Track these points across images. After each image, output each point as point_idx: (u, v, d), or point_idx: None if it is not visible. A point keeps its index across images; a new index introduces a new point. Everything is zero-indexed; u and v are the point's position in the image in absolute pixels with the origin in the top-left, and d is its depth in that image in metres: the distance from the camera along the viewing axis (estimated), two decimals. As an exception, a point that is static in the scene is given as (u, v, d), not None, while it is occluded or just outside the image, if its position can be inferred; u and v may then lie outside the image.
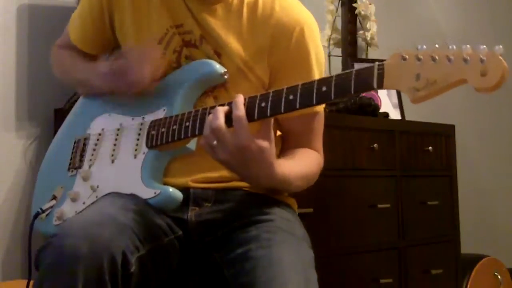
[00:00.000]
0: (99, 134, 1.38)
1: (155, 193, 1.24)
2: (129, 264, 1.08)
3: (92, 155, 1.37)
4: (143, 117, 1.33)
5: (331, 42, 2.72)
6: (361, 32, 2.83)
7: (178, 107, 1.29)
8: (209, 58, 1.32)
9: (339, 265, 2.06)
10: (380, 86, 1.04)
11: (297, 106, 1.12)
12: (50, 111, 2.14)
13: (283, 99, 1.13)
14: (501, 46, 0.94)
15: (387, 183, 2.32)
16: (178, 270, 1.26)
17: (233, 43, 1.32)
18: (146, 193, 1.25)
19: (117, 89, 1.34)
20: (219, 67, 1.29)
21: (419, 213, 2.42)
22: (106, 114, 1.40)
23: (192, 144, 1.29)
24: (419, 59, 1.00)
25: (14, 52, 2.14)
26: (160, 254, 1.19)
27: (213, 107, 1.20)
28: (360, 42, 2.85)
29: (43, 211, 1.35)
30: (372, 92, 2.54)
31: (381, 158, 2.27)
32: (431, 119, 2.63)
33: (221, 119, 1.14)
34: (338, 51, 2.74)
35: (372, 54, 2.85)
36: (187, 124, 1.24)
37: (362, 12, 2.78)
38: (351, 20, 2.80)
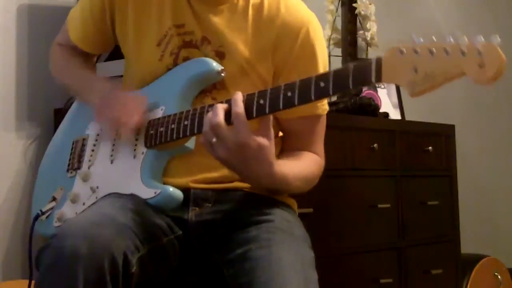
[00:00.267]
0: (98, 135, 1.38)
1: (155, 193, 1.24)
2: (130, 265, 1.08)
3: (91, 155, 1.37)
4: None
5: (331, 42, 2.72)
6: (361, 32, 2.83)
7: (176, 106, 1.29)
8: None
9: (339, 265, 2.06)
10: (378, 79, 1.03)
11: (296, 102, 1.12)
12: (50, 111, 2.15)
13: (281, 96, 1.13)
14: (497, 36, 0.94)
15: (387, 183, 2.32)
16: (177, 270, 1.26)
17: (238, 44, 1.32)
18: (147, 193, 1.25)
19: (104, 121, 1.34)
20: (216, 65, 1.29)
21: (419, 213, 2.42)
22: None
23: (191, 143, 1.29)
24: (416, 52, 0.99)
25: (14, 52, 2.14)
26: (160, 254, 1.19)
27: (211, 105, 1.20)
28: (360, 42, 2.84)
29: (43, 213, 1.35)
30: (372, 92, 2.54)
31: (381, 158, 2.26)
32: (431, 119, 2.63)
33: (221, 116, 1.14)
34: (338, 51, 2.74)
35: (372, 54, 2.85)
36: (186, 122, 1.24)
37: (362, 12, 2.78)
38: (351, 20, 2.79)
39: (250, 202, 1.31)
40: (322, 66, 1.36)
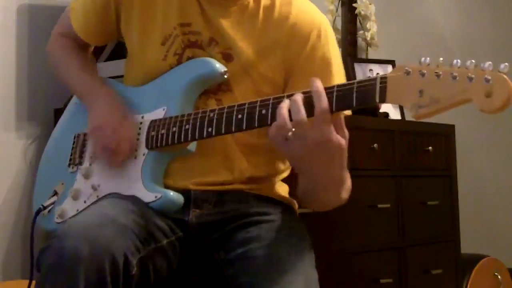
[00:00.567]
0: None
1: (155, 197, 1.24)
2: (130, 266, 1.08)
3: (93, 151, 1.36)
4: (142, 116, 1.32)
5: (331, 42, 2.72)
6: (361, 32, 2.83)
7: (178, 107, 1.28)
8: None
9: (339, 265, 2.06)
10: (383, 100, 1.01)
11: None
12: (50, 111, 2.14)
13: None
14: (507, 64, 0.92)
15: (387, 183, 2.31)
16: (178, 271, 1.26)
17: (246, 47, 1.30)
18: (147, 196, 1.24)
19: (95, 144, 1.33)
20: (219, 66, 1.28)
21: (419, 213, 2.42)
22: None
23: (192, 146, 1.28)
24: (423, 75, 0.97)
25: (14, 52, 2.14)
26: (161, 255, 1.19)
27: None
28: (360, 42, 2.84)
29: (45, 208, 1.35)
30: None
31: (381, 158, 2.26)
32: (431, 119, 2.62)
33: (303, 111, 1.05)
34: (338, 51, 2.74)
35: (372, 54, 2.85)
36: (187, 127, 1.23)
37: (362, 12, 2.78)
38: (351, 20, 2.79)
39: (251, 202, 1.31)
40: (337, 70, 1.32)
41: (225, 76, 1.28)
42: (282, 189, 1.40)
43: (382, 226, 2.27)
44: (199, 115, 1.22)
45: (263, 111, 1.13)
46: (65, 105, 1.54)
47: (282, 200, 1.36)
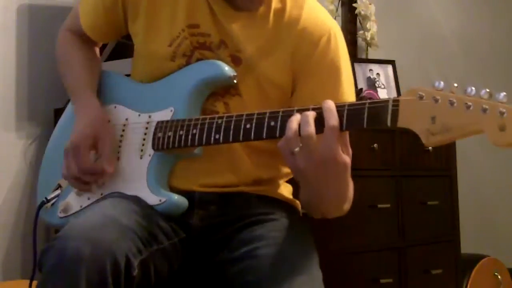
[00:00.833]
0: None
1: (160, 200, 1.24)
2: (132, 268, 1.07)
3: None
4: (150, 115, 1.31)
5: (331, 42, 2.72)
6: (361, 32, 2.83)
7: (186, 108, 1.28)
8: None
9: (339, 265, 2.06)
10: (394, 123, 1.00)
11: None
12: (50, 111, 2.15)
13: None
14: None
15: (387, 183, 2.31)
16: (180, 271, 1.25)
17: (255, 50, 1.29)
18: (152, 199, 1.24)
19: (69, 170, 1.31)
20: (228, 69, 1.27)
21: (419, 213, 2.42)
22: (112, 106, 1.38)
23: (199, 149, 1.27)
24: (436, 101, 0.96)
25: (14, 52, 2.14)
26: (162, 257, 1.19)
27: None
28: (360, 42, 2.84)
29: (48, 201, 1.34)
30: (372, 91, 2.54)
31: (381, 158, 2.26)
32: (431, 119, 2.62)
33: (313, 126, 1.05)
34: (338, 51, 2.74)
35: (372, 54, 2.85)
36: (194, 131, 1.22)
37: (362, 12, 2.78)
38: (351, 20, 2.80)
39: (254, 203, 1.30)
40: (346, 78, 1.31)
41: (235, 81, 1.27)
42: (286, 190, 1.40)
43: (382, 226, 2.27)
44: (207, 120, 1.21)
45: (272, 123, 1.13)
46: (65, 105, 1.54)
47: (285, 201, 1.36)
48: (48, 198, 1.34)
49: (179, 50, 1.31)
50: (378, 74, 2.76)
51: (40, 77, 2.15)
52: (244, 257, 1.19)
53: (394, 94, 2.73)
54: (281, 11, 1.32)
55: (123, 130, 1.34)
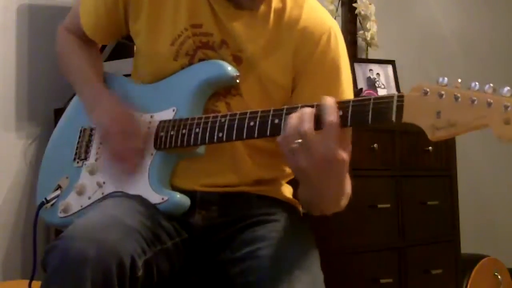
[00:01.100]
0: None
1: (162, 199, 1.23)
2: (137, 268, 1.07)
3: (99, 148, 1.35)
4: (152, 115, 1.31)
5: (331, 42, 2.72)
6: (361, 32, 2.83)
7: (188, 108, 1.27)
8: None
9: (339, 265, 2.06)
10: (399, 119, 1.00)
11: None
12: (50, 111, 2.15)
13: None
14: None
15: (387, 183, 2.31)
16: (182, 271, 1.26)
17: (257, 50, 1.29)
18: (154, 198, 1.24)
19: (107, 140, 1.31)
20: (231, 69, 1.27)
21: (419, 213, 2.42)
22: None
23: (201, 149, 1.27)
24: (441, 96, 0.96)
25: (14, 52, 2.14)
26: (165, 257, 1.19)
27: (224, 115, 1.18)
28: (360, 42, 2.84)
29: (48, 201, 1.35)
30: (372, 91, 2.54)
31: (381, 158, 2.26)
32: (431, 119, 2.62)
33: (312, 123, 1.05)
34: (338, 51, 2.74)
35: (372, 54, 2.85)
36: (197, 130, 1.22)
37: (362, 12, 2.78)
38: (351, 20, 2.80)
39: (256, 203, 1.31)
40: (345, 77, 1.32)
41: (237, 80, 1.27)
42: (287, 191, 1.40)
43: (382, 226, 2.27)
44: (210, 119, 1.21)
45: (276, 121, 1.13)
46: (65, 105, 1.54)
47: (286, 201, 1.36)
48: (48, 198, 1.34)
49: (182, 49, 1.31)
50: (378, 74, 2.76)
51: (40, 77, 2.15)
52: (245, 257, 1.19)
53: (394, 94, 2.73)
54: (281, 10, 1.32)
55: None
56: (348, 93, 1.31)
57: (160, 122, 1.28)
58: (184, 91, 1.29)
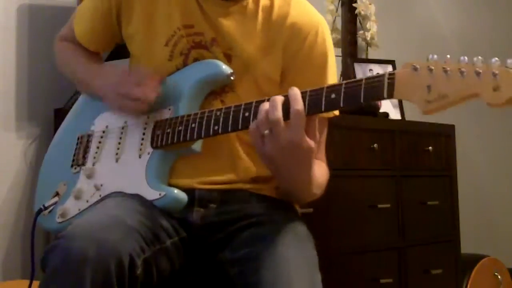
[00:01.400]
0: (103, 132, 1.38)
1: (159, 194, 1.24)
2: (135, 267, 1.08)
3: (96, 152, 1.36)
4: (148, 116, 1.32)
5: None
6: (361, 32, 2.83)
7: (184, 107, 1.28)
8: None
9: (339, 265, 2.06)
10: (391, 95, 1.02)
11: (306, 113, 1.11)
12: (50, 111, 2.15)
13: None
14: None
15: (387, 183, 2.32)
16: (181, 271, 1.26)
17: (247, 47, 1.31)
18: (151, 194, 1.24)
19: (118, 101, 1.32)
20: (225, 68, 1.28)
21: (419, 213, 2.42)
22: (110, 111, 1.38)
23: (197, 145, 1.28)
24: (430, 70, 0.98)
25: (14, 52, 2.14)
26: (164, 255, 1.19)
27: (220, 109, 1.20)
28: (360, 42, 2.84)
29: (46, 208, 1.35)
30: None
31: (381, 158, 2.27)
32: (431, 119, 2.62)
33: (280, 111, 1.09)
34: (338, 51, 2.74)
35: (372, 54, 2.85)
36: (193, 125, 1.23)
37: (362, 12, 2.78)
38: (351, 20, 2.80)
39: (255, 202, 1.31)
40: (331, 73, 1.35)
41: (232, 78, 1.28)
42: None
43: (382, 226, 2.27)
44: (206, 114, 1.22)
45: None
46: (65, 105, 1.54)
47: (285, 200, 1.37)
48: (46, 205, 1.35)
49: (176, 49, 1.32)
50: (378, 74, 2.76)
51: (40, 77, 2.15)
52: (244, 258, 1.19)
53: (394, 94, 2.73)
54: (269, 8, 1.35)
55: (122, 133, 1.34)
56: (332, 77, 1.35)
57: (157, 121, 1.29)
58: (180, 91, 1.30)
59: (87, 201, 1.31)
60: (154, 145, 1.28)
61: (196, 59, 1.32)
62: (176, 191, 1.24)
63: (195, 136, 1.23)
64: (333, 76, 1.36)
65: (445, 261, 2.53)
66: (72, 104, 1.55)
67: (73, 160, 1.39)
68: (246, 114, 1.17)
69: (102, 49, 1.51)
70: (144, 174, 1.27)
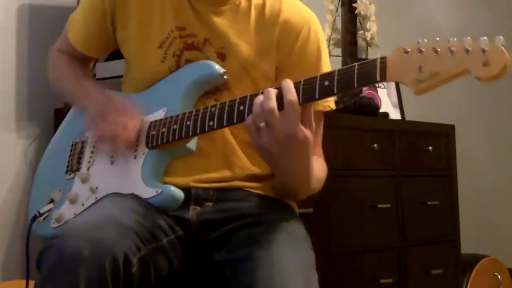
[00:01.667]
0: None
1: (156, 191, 1.24)
2: (130, 265, 1.08)
3: (91, 157, 1.36)
4: (142, 119, 1.32)
5: (331, 42, 2.72)
6: (361, 32, 2.83)
7: (179, 108, 1.28)
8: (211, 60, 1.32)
9: (339, 265, 2.06)
10: (383, 78, 1.04)
11: (300, 102, 1.11)
12: (50, 111, 2.15)
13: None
14: (501, 37, 0.96)
15: (387, 183, 2.32)
16: (178, 270, 1.26)
17: (240, 44, 1.32)
18: (147, 192, 1.24)
19: (97, 133, 1.32)
20: (218, 68, 1.29)
21: (419, 213, 2.42)
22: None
23: (192, 144, 1.28)
24: (421, 52, 1.01)
25: (14, 52, 2.14)
26: (161, 254, 1.19)
27: (214, 105, 1.20)
28: (360, 42, 2.84)
29: (41, 215, 1.35)
30: (372, 91, 2.54)
31: (381, 158, 2.26)
32: (431, 119, 2.63)
33: (274, 101, 1.09)
34: (338, 51, 2.74)
35: (372, 54, 2.85)
36: (188, 123, 1.23)
37: (362, 12, 2.78)
38: (351, 20, 2.79)
39: (251, 202, 1.31)
40: (325, 66, 1.37)
41: (225, 77, 1.29)
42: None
43: (382, 226, 2.27)
44: (201, 111, 1.23)
45: None
46: (65, 105, 1.54)
47: (282, 200, 1.36)
48: (41, 212, 1.35)
49: (169, 51, 1.33)
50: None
51: (40, 77, 2.15)
52: (241, 259, 1.19)
53: (394, 94, 2.74)
54: (261, 6, 1.36)
55: (110, 147, 1.33)
56: None
57: (151, 122, 1.30)
58: (174, 93, 1.30)
59: (83, 204, 1.31)
60: (149, 145, 1.29)
61: (188, 60, 1.33)
62: (172, 188, 1.24)
63: (190, 133, 1.23)
64: (327, 70, 1.36)
65: (445, 261, 2.53)
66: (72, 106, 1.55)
67: (67, 167, 1.39)
68: (241, 108, 1.17)
69: (98, 54, 1.52)
70: (140, 173, 1.27)
